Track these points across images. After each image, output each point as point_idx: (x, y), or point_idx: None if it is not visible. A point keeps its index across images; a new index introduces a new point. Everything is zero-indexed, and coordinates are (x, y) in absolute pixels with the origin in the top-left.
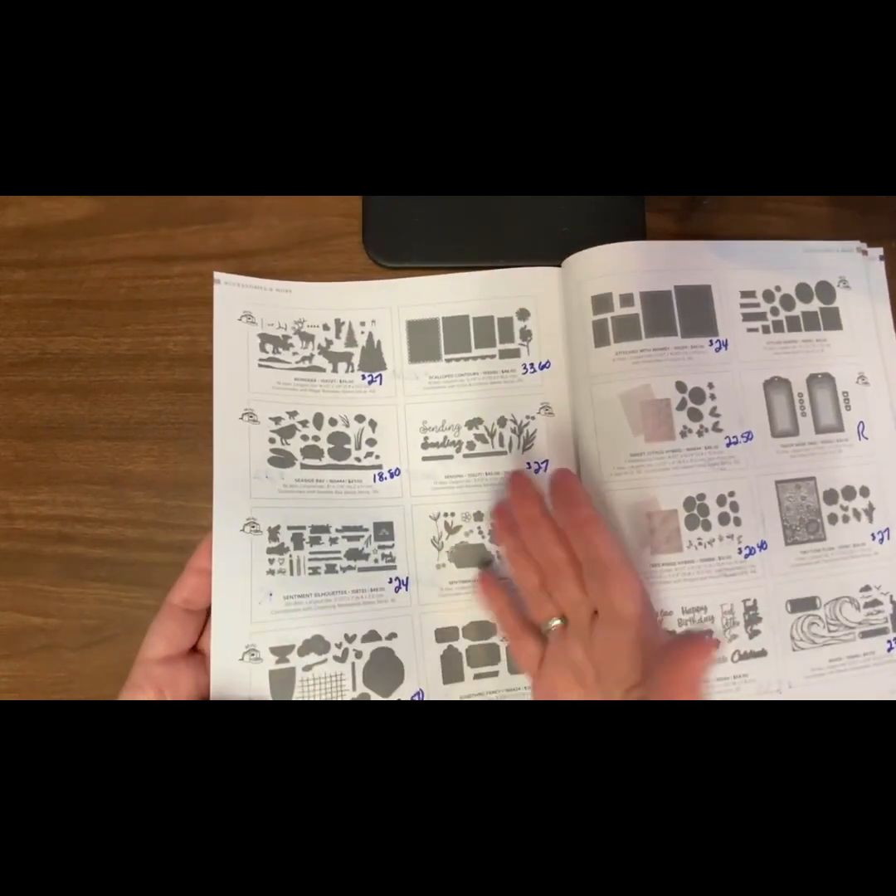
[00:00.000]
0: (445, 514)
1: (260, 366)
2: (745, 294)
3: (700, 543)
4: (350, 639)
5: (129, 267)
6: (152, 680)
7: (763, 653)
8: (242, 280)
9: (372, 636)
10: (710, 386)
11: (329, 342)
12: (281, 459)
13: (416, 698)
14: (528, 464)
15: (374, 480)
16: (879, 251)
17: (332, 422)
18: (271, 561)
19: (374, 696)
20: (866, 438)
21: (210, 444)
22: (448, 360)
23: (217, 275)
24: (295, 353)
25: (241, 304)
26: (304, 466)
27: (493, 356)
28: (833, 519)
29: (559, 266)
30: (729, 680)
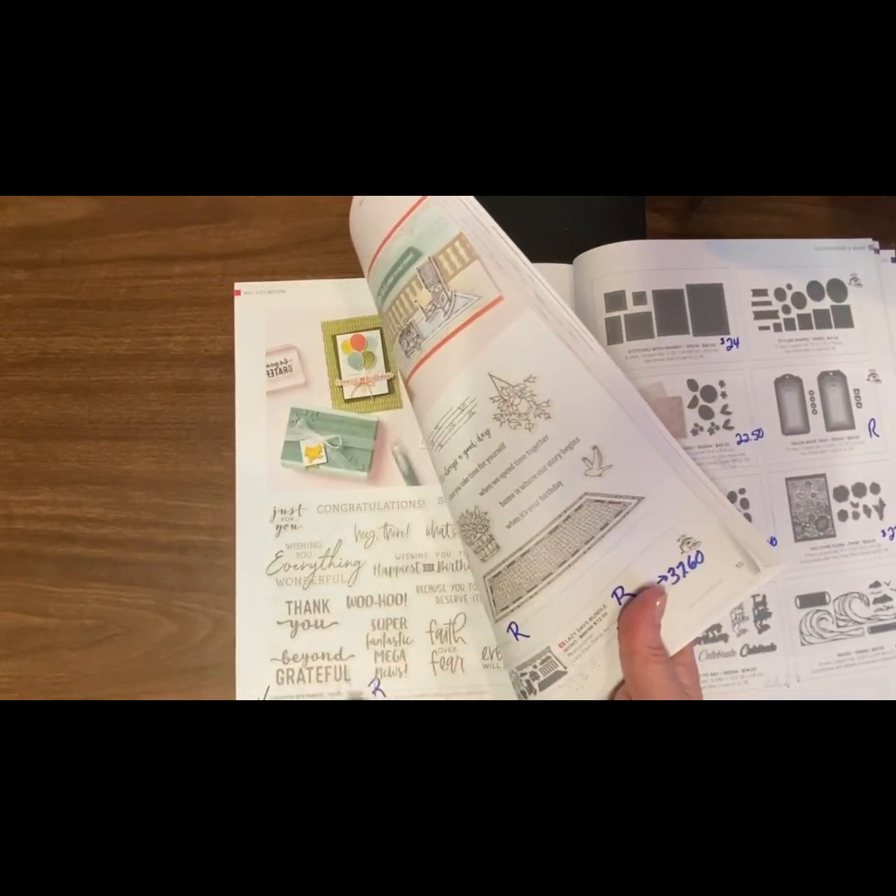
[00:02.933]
0: None
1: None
2: (756, 292)
3: None
4: None
5: (129, 267)
6: None
7: (772, 647)
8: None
9: None
10: (721, 384)
11: None
12: None
13: None
14: None
15: None
16: (891, 252)
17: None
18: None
19: None
20: (877, 435)
21: (210, 444)
22: None
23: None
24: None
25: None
26: None
27: None
28: (843, 515)
29: (570, 263)
30: (737, 673)
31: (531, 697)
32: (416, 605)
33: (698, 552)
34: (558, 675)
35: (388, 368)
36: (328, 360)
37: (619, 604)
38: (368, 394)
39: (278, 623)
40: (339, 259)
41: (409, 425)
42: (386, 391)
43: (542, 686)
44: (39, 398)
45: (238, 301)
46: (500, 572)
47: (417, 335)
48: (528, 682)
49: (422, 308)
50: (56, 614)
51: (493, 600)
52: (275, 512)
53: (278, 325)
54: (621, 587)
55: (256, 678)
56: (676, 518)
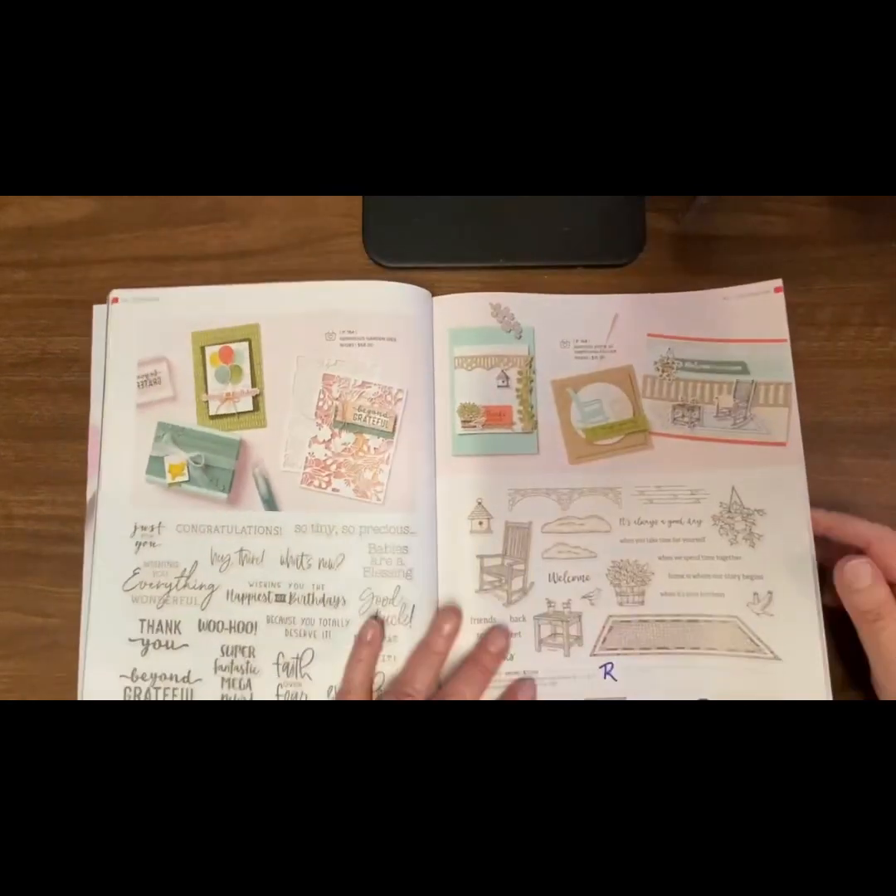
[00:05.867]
0: None
1: None
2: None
3: None
4: None
5: (129, 267)
6: None
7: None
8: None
9: None
10: None
11: None
12: None
13: None
14: None
15: None
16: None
17: None
18: None
19: None
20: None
21: None
22: None
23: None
24: None
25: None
26: None
27: None
28: None
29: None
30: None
31: None
32: (266, 635)
33: None
34: None
35: (254, 384)
36: (196, 372)
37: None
38: (233, 410)
39: (130, 640)
40: (339, 259)
41: (271, 446)
42: (250, 408)
43: None
44: (39, 398)
45: (113, 309)
46: (629, 621)
47: (698, 417)
48: None
49: (717, 405)
50: (56, 614)
51: (604, 638)
52: (135, 528)
53: (152, 334)
54: (705, 700)
55: (103, 693)
56: (794, 695)
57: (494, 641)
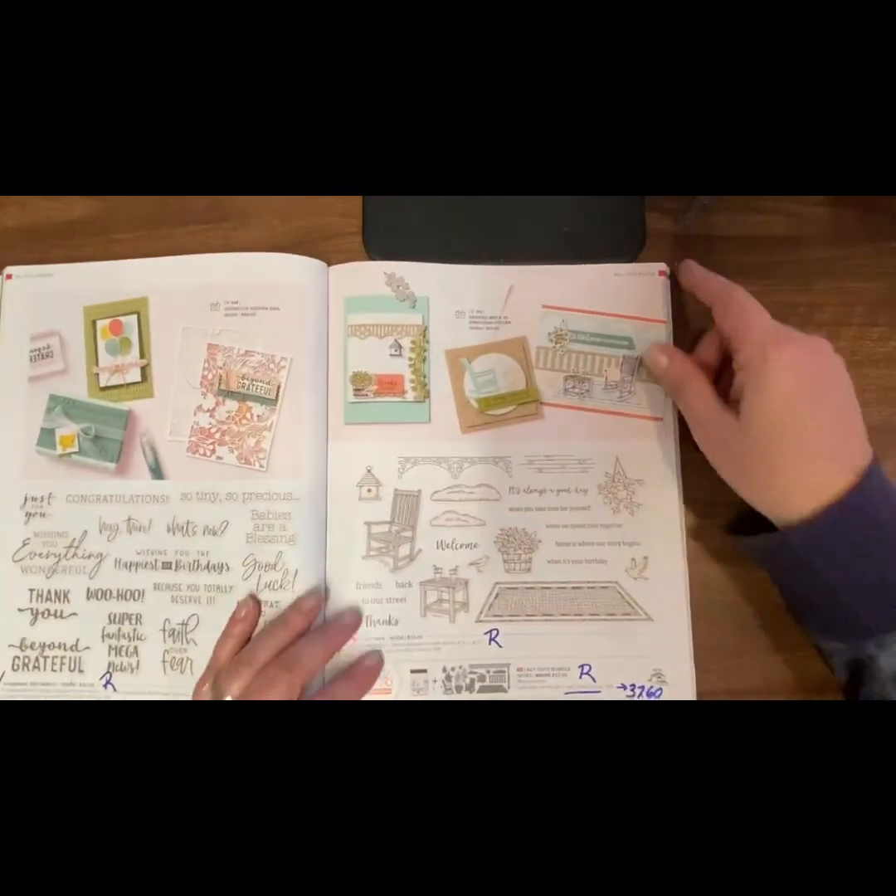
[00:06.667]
0: None
1: None
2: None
3: None
4: None
5: None
6: None
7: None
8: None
9: None
10: None
11: None
12: None
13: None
14: None
15: None
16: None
17: None
18: None
19: None
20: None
21: None
22: None
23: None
24: None
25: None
26: None
27: None
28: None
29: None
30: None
31: (461, 695)
32: (153, 602)
33: (660, 689)
34: (500, 689)
35: (142, 355)
36: (87, 345)
37: (579, 677)
38: (122, 382)
39: (19, 610)
40: (339, 259)
41: (159, 416)
42: (139, 379)
43: (481, 690)
44: None
45: (6, 285)
46: (515, 588)
47: (587, 389)
48: (471, 679)
49: (606, 378)
50: None
51: (490, 605)
52: (26, 499)
53: (45, 309)
54: (589, 666)
55: None
56: (663, 653)
57: (347, 616)
